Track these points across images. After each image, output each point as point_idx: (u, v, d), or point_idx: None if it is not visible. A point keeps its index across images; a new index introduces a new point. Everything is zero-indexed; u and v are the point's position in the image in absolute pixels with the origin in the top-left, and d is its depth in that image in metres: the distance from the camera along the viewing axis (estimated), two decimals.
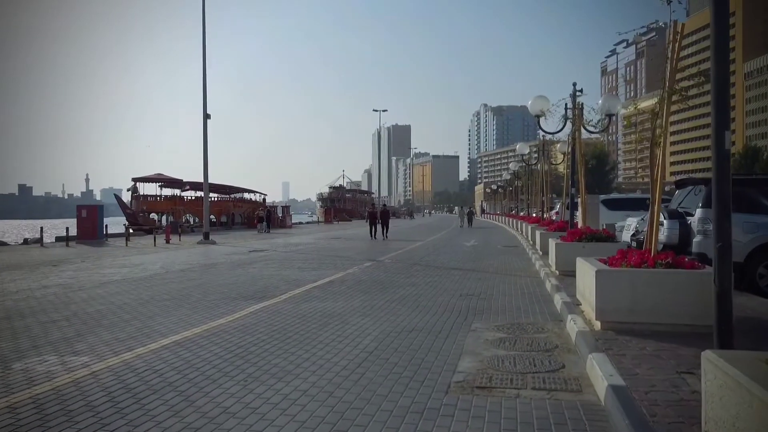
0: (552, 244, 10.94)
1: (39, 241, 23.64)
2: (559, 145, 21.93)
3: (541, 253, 15.06)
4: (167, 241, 24.44)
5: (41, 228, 23.55)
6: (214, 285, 10.43)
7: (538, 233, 15.44)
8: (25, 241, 25.47)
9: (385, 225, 26.28)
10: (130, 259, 16.24)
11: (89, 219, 25.51)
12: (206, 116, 24.89)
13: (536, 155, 24.30)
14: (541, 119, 13.39)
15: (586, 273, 6.42)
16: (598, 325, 5.82)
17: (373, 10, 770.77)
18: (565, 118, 13.17)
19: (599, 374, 4.28)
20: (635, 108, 7.45)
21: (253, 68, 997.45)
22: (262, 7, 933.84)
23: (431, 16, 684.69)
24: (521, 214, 38.07)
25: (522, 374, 4.70)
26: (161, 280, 11.30)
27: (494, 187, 65.27)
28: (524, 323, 6.79)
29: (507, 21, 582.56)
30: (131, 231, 35.26)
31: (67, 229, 23.68)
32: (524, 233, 24.99)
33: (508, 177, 46.80)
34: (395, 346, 5.69)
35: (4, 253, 19.02)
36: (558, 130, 13.19)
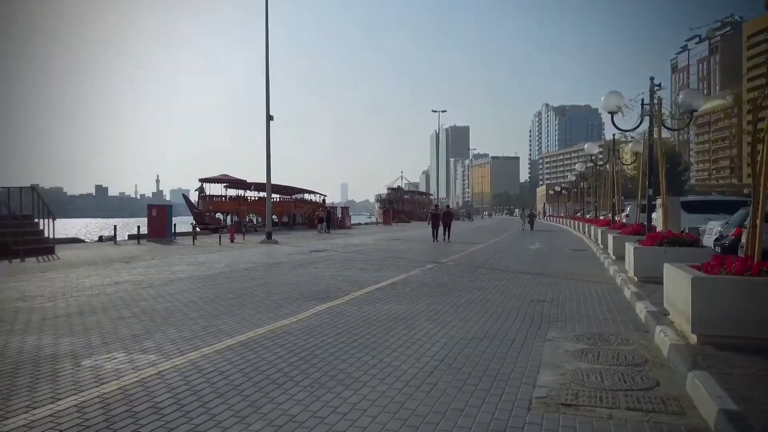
0: (629, 248, 10.24)
1: (112, 238, 24.72)
2: (630, 144, 20.81)
3: (614, 257, 14.24)
4: (231, 240, 24.99)
5: (114, 226, 24.62)
6: (277, 284, 10.40)
7: (610, 237, 14.62)
8: (100, 239, 26.76)
9: (448, 227, 25.65)
10: (197, 258, 16.60)
11: (159, 218, 26.46)
12: (269, 118, 25.29)
13: (604, 156, 23.18)
14: (615, 116, 12.63)
15: (677, 280, 5.84)
16: (693, 338, 5.25)
17: (432, 11, 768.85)
18: (642, 114, 12.35)
19: (705, 396, 3.78)
20: (732, 99, 6.73)
21: (317, 71, 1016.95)
22: (324, 8, 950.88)
23: (490, 16, 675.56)
24: (587, 216, 36.59)
25: (612, 391, 4.24)
26: (226, 278, 11.39)
27: (558, 188, 63.35)
28: (606, 334, 6.27)
29: (569, 18, 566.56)
30: (198, 230, 36.54)
31: (138, 227, 24.63)
32: (593, 237, 23.91)
33: (573, 178, 45.16)
34: (467, 354, 5.34)
35: (80, 250, 19.94)
36: (635, 126, 12.40)
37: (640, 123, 12.26)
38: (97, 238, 27.36)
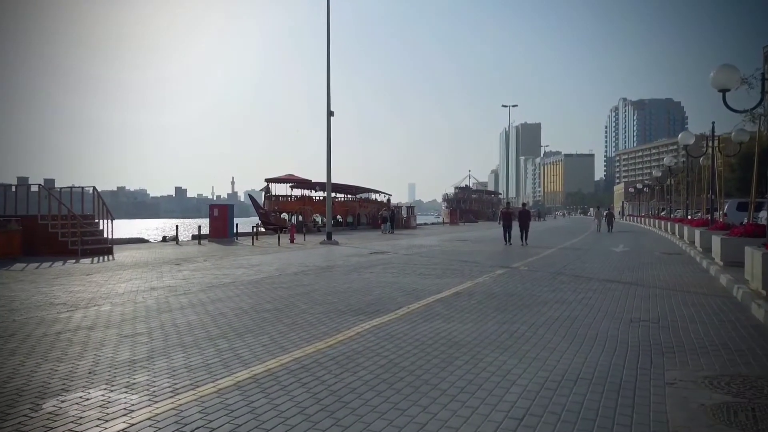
0: (755, 255, 8.19)
1: (175, 239, 24.58)
2: (733, 134, 18.14)
3: (722, 263, 12.00)
4: (291, 241, 24.21)
5: (177, 226, 24.47)
6: (323, 293, 9.14)
7: (717, 239, 12.35)
8: (164, 239, 26.79)
9: (525, 228, 21.91)
10: (250, 260, 15.73)
11: (220, 218, 26.14)
12: (330, 113, 24.31)
13: (701, 148, 20.43)
14: (728, 96, 10.50)
15: None
16: None
17: (502, 6, 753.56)
18: (764, 91, 10.14)
19: None
20: None
21: (386, 72, 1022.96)
22: (395, 10, 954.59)
23: (563, 8, 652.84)
24: (674, 215, 33.29)
25: None
26: (270, 284, 10.28)
27: (640, 186, 58.97)
28: (751, 376, 4.51)
29: (645, 8, 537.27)
30: (263, 230, 36.35)
31: (200, 227, 24.34)
32: (686, 238, 21.22)
33: (658, 174, 41.55)
34: (556, 411, 3.78)
35: (139, 251, 19.67)
36: (753, 106, 10.20)
37: (761, 101, 10.05)
38: (161, 239, 27.41)
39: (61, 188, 19.71)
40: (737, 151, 18.03)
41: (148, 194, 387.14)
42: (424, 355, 5.20)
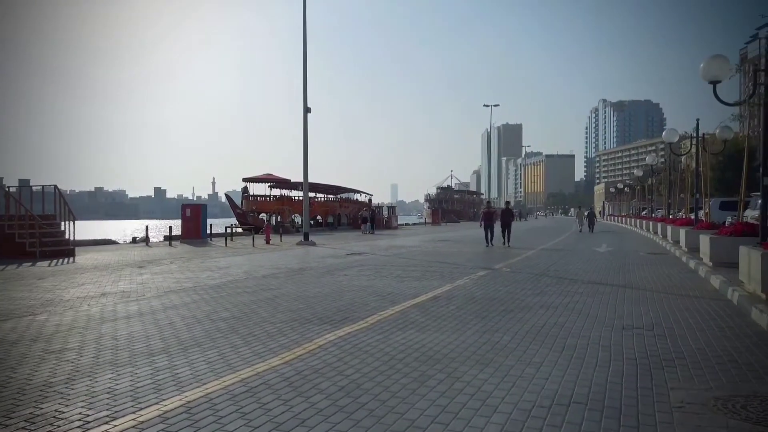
0: (753, 255, 7.64)
1: (145, 240, 23.58)
2: (717, 131, 17.79)
3: (711, 264, 11.52)
4: (267, 242, 23.37)
5: (146, 227, 23.48)
6: (290, 298, 8.40)
7: (705, 239, 11.86)
8: (134, 240, 25.73)
9: (507, 228, 20.56)
10: (219, 262, 14.90)
11: (193, 218, 25.19)
12: (306, 110, 23.52)
13: (684, 146, 20.07)
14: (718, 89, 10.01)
15: None
16: None
17: (483, 7, 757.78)
18: (755, 83, 9.65)
19: None
20: None
21: (369, 71, 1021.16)
22: (379, 8, 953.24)
23: (543, 10, 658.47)
24: (658, 215, 33.11)
25: None
26: (234, 289, 9.50)
27: (620, 186, 59.09)
28: None
29: (627, 9, 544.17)
30: (241, 230, 35.36)
31: (170, 228, 23.41)
32: (669, 238, 20.88)
33: (640, 174, 41.46)
34: None
35: (104, 253, 18.69)
36: (746, 99, 9.70)
37: (753, 93, 9.55)
38: (130, 240, 26.34)
39: (20, 187, 18.65)
40: (722, 148, 17.67)
41: (127, 195, 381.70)
42: (393, 373, 4.51)
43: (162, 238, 26.53)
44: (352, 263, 14.18)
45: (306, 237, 23.27)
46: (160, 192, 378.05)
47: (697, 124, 18.30)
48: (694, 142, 18.47)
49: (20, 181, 20.88)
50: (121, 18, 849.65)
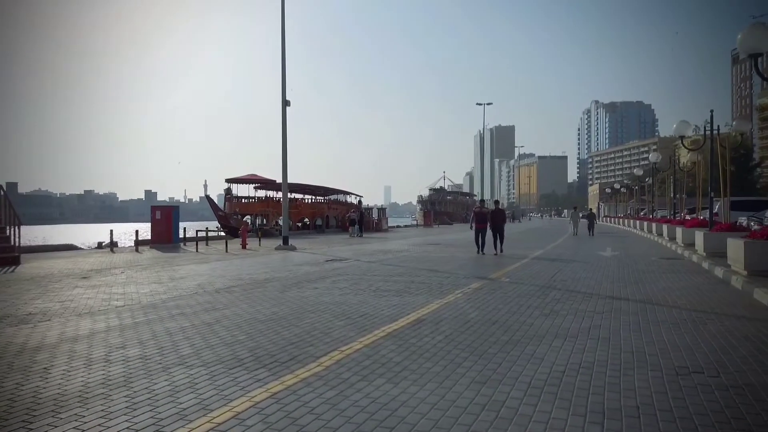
0: None
1: (111, 245, 21.62)
2: (735, 123, 16.14)
3: (746, 272, 9.80)
4: (243, 247, 21.49)
5: (111, 231, 21.55)
6: (234, 324, 6.59)
7: (739, 244, 10.09)
8: (99, 245, 23.75)
9: (499, 232, 17.27)
10: (178, 271, 13.06)
11: (164, 222, 23.29)
12: (285, 103, 21.71)
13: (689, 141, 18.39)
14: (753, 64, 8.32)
15: None
16: None
17: (475, 9, 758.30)
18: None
19: None
20: None
21: (363, 75, 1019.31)
22: (365, 8, 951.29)
23: (534, 12, 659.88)
24: (663, 216, 31.50)
25: None
26: (171, 310, 7.68)
27: (617, 186, 57.61)
28: None
29: (618, 11, 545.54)
30: (223, 233, 33.41)
31: (137, 232, 21.51)
32: (679, 240, 19.20)
33: (641, 173, 39.87)
34: None
35: (56, 260, 16.76)
36: None
37: None
38: (95, 245, 24.36)
39: None
40: (740, 142, 16.03)
41: (118, 198, 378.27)
42: None
43: (132, 243, 24.57)
44: (328, 272, 12.38)
45: (285, 241, 21.42)
46: (150, 195, 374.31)
47: (711, 117, 16.64)
48: (708, 136, 16.79)
49: (8, 185, 18.90)
50: (110, 19, 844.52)
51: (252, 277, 11.48)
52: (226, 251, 19.59)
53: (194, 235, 25.86)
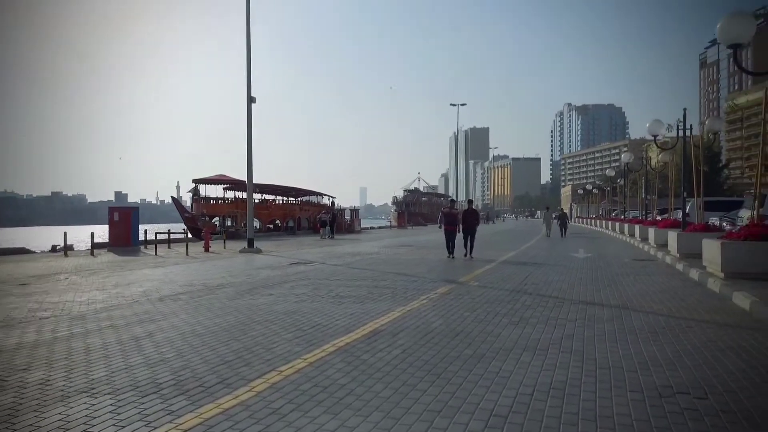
0: None
1: (66, 248, 20.46)
2: (707, 122, 15.94)
3: (722, 275, 9.40)
4: (206, 250, 20.57)
5: (65, 233, 20.40)
6: (165, 339, 5.85)
7: (715, 245, 9.69)
8: (53, 249, 22.52)
9: (471, 235, 15.94)
10: (127, 276, 12.18)
11: (122, 224, 22.21)
12: (250, 99, 20.89)
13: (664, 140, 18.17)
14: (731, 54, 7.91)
15: None
16: None
17: (449, 11, 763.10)
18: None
19: None
20: None
21: (337, 74, 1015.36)
22: (343, 8, 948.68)
23: (509, 15, 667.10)
24: (634, 216, 31.49)
25: None
26: (102, 322, 6.89)
27: (589, 187, 57.87)
28: None
29: (590, 14, 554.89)
30: (190, 236, 32.31)
31: (92, 234, 20.37)
32: (652, 241, 18.97)
33: (612, 173, 39.96)
34: None
35: (6, 264, 15.67)
36: None
37: None
38: (50, 248, 23.09)
39: None
40: (712, 141, 15.82)
41: (87, 199, 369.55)
42: None
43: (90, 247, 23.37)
44: (289, 276, 11.66)
45: (250, 243, 20.58)
46: (121, 196, 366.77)
47: (684, 115, 16.40)
48: (681, 135, 16.54)
49: None
50: (80, 16, 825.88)
51: (205, 283, 10.69)
52: (187, 254, 18.69)
53: (160, 238, 24.80)
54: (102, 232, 21.62)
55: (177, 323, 6.65)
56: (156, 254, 19.01)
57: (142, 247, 22.57)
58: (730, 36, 7.81)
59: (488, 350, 5.19)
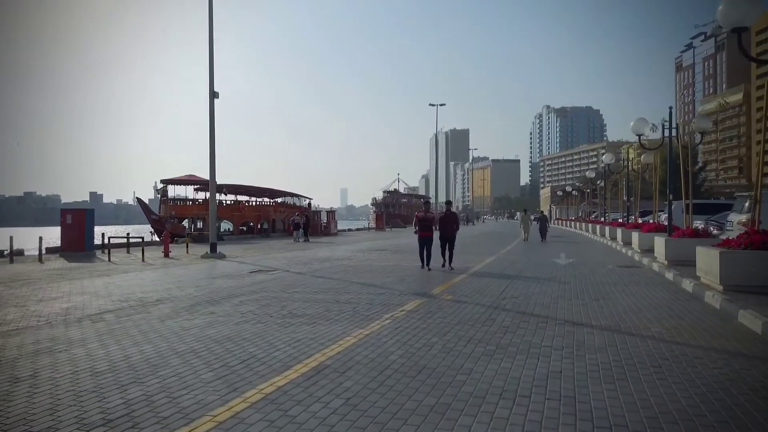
0: None
1: (12, 254, 18.88)
2: (695, 120, 15.12)
3: (721, 287, 8.45)
4: (166, 255, 19.19)
5: (10, 237, 18.82)
6: (48, 382, 4.63)
7: (714, 254, 8.73)
8: (1, 254, 20.86)
9: (450, 243, 13.94)
10: (59, 289, 10.84)
11: (75, 227, 20.67)
12: (213, 95, 19.57)
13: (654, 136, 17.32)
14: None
15: None
16: None
17: (431, 13, 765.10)
18: None
19: None
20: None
21: (317, 75, 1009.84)
22: (326, 7, 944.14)
23: (489, 17, 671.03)
24: (615, 219, 30.80)
25: None
26: None
27: (569, 189, 57.41)
28: None
29: (569, 17, 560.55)
30: (157, 238, 30.80)
31: (40, 239, 18.84)
32: (635, 246, 18.13)
33: (592, 175, 39.36)
34: None
35: None
36: None
37: None
38: None
39: None
40: (699, 141, 14.99)
41: (61, 200, 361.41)
42: None
43: (45, 251, 21.78)
44: (243, 288, 10.44)
45: (213, 248, 19.25)
46: (96, 197, 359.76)
47: (670, 114, 15.57)
48: (666, 134, 15.70)
49: None
50: (55, 9, 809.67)
51: (143, 297, 9.41)
52: (143, 261, 17.31)
53: (117, 242, 23.24)
54: (51, 236, 20.05)
55: (78, 356, 5.42)
56: (109, 260, 17.61)
57: (98, 252, 21.09)
58: (733, 19, 6.84)
59: (455, 398, 4.07)
